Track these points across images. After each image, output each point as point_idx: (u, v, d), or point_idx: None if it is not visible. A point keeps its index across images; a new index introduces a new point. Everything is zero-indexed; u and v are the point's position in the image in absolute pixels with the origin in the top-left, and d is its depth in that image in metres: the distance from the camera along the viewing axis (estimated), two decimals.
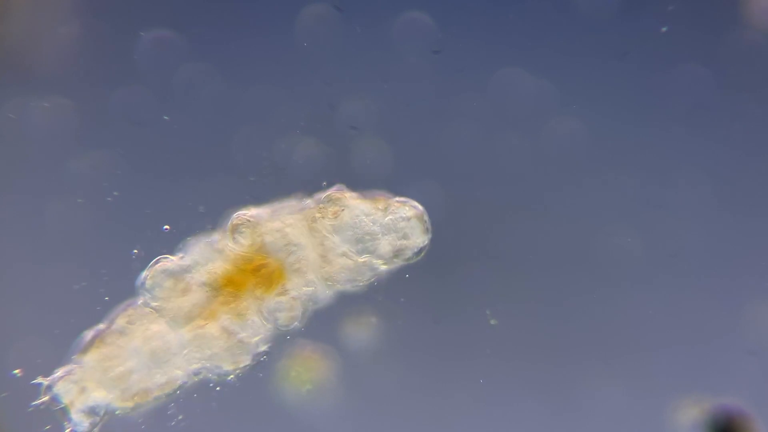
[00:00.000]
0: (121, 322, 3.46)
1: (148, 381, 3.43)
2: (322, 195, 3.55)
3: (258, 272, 3.48)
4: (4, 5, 3.88)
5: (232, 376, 3.50)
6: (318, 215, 3.51)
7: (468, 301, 3.86)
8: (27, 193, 3.81)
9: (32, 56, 3.86)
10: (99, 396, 3.42)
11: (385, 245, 3.52)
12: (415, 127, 3.90)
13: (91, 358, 3.43)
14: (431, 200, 3.64)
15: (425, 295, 3.84)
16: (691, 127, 3.94)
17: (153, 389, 3.44)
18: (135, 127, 3.85)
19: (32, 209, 3.78)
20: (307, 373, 3.77)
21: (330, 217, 3.50)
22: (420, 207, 3.58)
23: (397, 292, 3.76)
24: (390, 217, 3.53)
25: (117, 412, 3.44)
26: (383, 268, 3.55)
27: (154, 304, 3.46)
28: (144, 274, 3.48)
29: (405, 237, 3.54)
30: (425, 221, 3.57)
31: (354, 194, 3.56)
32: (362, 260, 3.52)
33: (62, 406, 3.40)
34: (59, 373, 3.42)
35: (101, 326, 3.46)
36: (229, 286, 3.47)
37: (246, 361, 3.50)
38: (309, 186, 3.61)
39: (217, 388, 3.53)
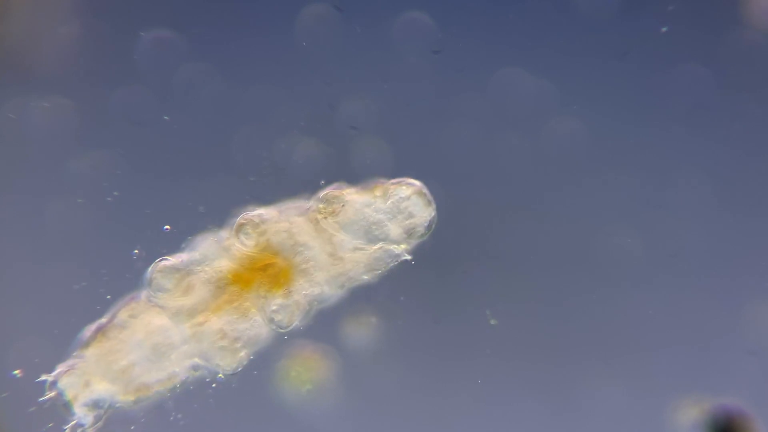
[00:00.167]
0: (123, 315, 3.46)
1: (150, 375, 3.44)
2: (320, 195, 3.55)
3: (265, 271, 3.48)
4: (4, 5, 3.88)
5: (231, 373, 3.50)
6: (319, 216, 3.51)
7: (468, 301, 3.86)
8: (27, 193, 3.81)
9: (32, 56, 3.86)
10: (102, 389, 3.42)
11: (395, 229, 3.52)
12: (415, 127, 3.90)
13: (94, 351, 3.44)
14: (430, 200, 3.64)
15: (425, 295, 3.84)
16: (691, 127, 3.94)
17: (154, 383, 3.45)
18: (135, 127, 3.85)
19: (32, 209, 3.78)
20: (307, 373, 3.77)
21: (331, 216, 3.50)
22: (417, 182, 3.58)
23: (397, 292, 3.76)
24: (390, 200, 3.53)
25: (119, 406, 3.44)
26: (401, 250, 3.55)
27: (157, 299, 3.46)
28: (150, 268, 3.49)
29: (411, 215, 3.54)
30: (425, 194, 3.57)
31: (351, 188, 3.56)
32: (376, 249, 3.52)
33: (66, 400, 3.41)
34: (63, 367, 3.42)
35: (104, 320, 3.47)
36: (235, 284, 3.47)
37: (246, 358, 3.50)
38: (311, 186, 3.61)
39: (214, 386, 3.53)
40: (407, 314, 3.82)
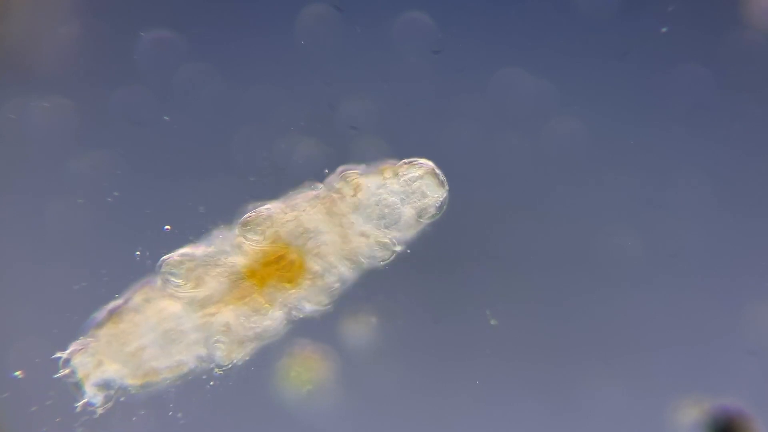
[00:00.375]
0: (138, 299, 3.47)
1: (160, 360, 3.45)
2: (336, 176, 3.55)
3: (278, 264, 3.48)
4: (4, 5, 3.88)
5: (234, 365, 3.51)
6: (336, 197, 3.51)
7: (468, 301, 3.86)
8: (27, 193, 3.81)
9: (32, 56, 3.86)
10: (114, 370, 3.43)
11: (407, 211, 3.53)
12: (415, 127, 3.90)
13: (107, 332, 3.45)
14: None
15: (425, 295, 3.84)
16: (691, 127, 3.94)
17: (163, 369, 3.46)
18: (135, 127, 3.85)
19: (32, 209, 3.78)
20: (307, 373, 3.78)
21: (350, 197, 3.49)
22: (428, 162, 3.58)
23: (397, 292, 3.76)
24: (402, 181, 3.53)
25: (128, 389, 3.45)
26: (410, 233, 3.56)
27: (171, 287, 3.47)
28: (162, 260, 3.49)
29: (423, 196, 3.54)
30: (438, 174, 3.57)
31: (363, 170, 3.57)
32: (387, 233, 3.52)
33: (78, 378, 3.42)
34: (77, 345, 3.43)
35: (118, 302, 3.48)
36: (249, 280, 3.48)
37: (251, 351, 3.51)
38: (314, 178, 3.61)
39: (216, 382, 3.53)
40: (407, 314, 3.82)
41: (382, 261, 3.55)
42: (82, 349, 3.44)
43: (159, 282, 3.49)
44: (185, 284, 3.48)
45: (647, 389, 3.81)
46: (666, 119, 3.95)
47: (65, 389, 3.47)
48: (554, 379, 3.85)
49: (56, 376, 3.43)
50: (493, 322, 3.82)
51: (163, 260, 3.50)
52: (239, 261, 3.49)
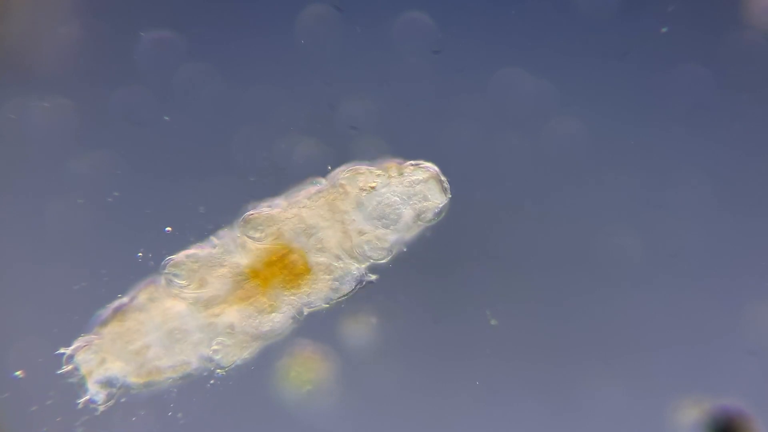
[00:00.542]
0: (143, 298, 3.48)
1: (164, 359, 3.45)
2: (342, 173, 3.55)
3: (282, 263, 3.48)
4: (4, 5, 3.88)
5: (237, 365, 3.51)
6: (342, 191, 3.51)
7: (468, 301, 3.86)
8: (27, 193, 3.81)
9: (32, 56, 3.86)
10: (117, 368, 3.44)
11: (407, 212, 3.53)
12: (415, 127, 3.90)
13: (111, 330, 3.45)
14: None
15: (425, 295, 3.84)
16: (691, 127, 3.94)
17: (167, 368, 3.46)
18: (135, 127, 3.85)
19: (32, 209, 3.78)
20: (307, 373, 3.78)
21: (360, 191, 3.49)
22: (434, 167, 3.58)
23: (397, 292, 3.76)
24: (406, 182, 3.54)
25: (130, 388, 3.46)
26: (408, 235, 3.56)
27: (176, 286, 3.47)
28: (165, 260, 3.50)
29: (424, 199, 3.54)
30: (442, 180, 3.57)
31: (369, 166, 3.57)
32: (385, 232, 3.52)
33: (81, 375, 3.42)
34: (81, 342, 3.44)
35: (123, 300, 3.48)
36: (253, 281, 3.48)
37: (256, 351, 3.51)
38: (316, 175, 3.61)
39: (217, 381, 3.53)
40: (407, 314, 3.82)
41: (378, 260, 3.55)
42: (85, 346, 3.45)
43: (163, 282, 3.49)
44: (189, 285, 3.48)
45: (647, 389, 3.81)
46: (666, 119, 3.95)
47: (66, 388, 3.47)
48: (554, 379, 3.85)
49: (59, 372, 3.44)
50: (493, 322, 3.82)
51: (167, 261, 3.50)
52: (243, 261, 3.49)
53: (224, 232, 3.55)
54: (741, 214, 3.90)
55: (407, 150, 3.67)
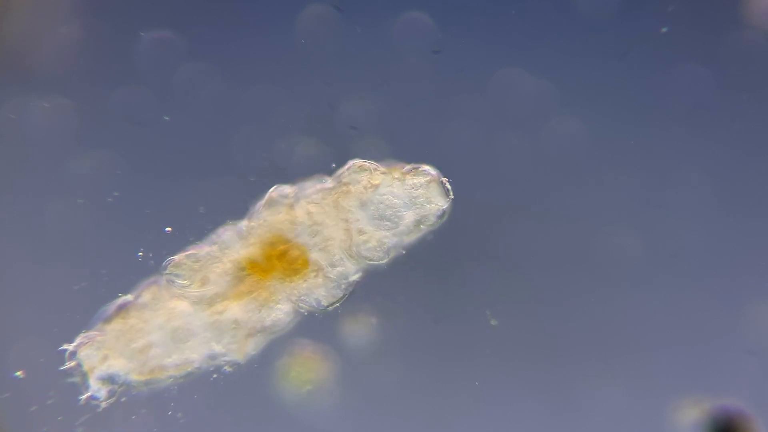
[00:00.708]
0: (147, 296, 3.48)
1: (167, 358, 3.46)
2: (347, 169, 3.55)
3: (283, 257, 3.49)
4: (4, 5, 3.88)
5: (246, 360, 3.52)
6: (346, 189, 3.51)
7: (468, 301, 3.86)
8: (27, 193, 3.81)
9: (32, 56, 3.86)
10: (119, 365, 3.44)
11: (408, 216, 3.53)
12: (415, 127, 3.90)
13: (115, 327, 3.46)
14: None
15: (425, 295, 3.84)
16: (691, 127, 3.94)
17: (170, 367, 3.47)
18: (135, 127, 3.85)
19: (32, 209, 3.78)
20: (307, 373, 3.78)
21: (364, 189, 3.50)
22: (435, 171, 3.58)
23: (397, 292, 3.76)
24: (408, 185, 3.54)
25: (132, 385, 3.46)
26: (407, 239, 3.56)
27: (177, 286, 3.47)
28: (164, 263, 3.50)
29: (426, 203, 3.55)
30: (443, 184, 3.58)
31: (375, 166, 3.57)
32: (386, 234, 3.52)
33: (83, 371, 3.43)
34: (84, 338, 3.44)
35: (127, 298, 3.49)
36: (254, 273, 3.48)
37: (262, 345, 3.51)
38: (322, 172, 3.61)
39: (223, 375, 3.54)
40: (407, 314, 3.82)
41: (377, 261, 3.55)
42: (88, 342, 3.45)
43: (164, 282, 3.50)
44: (191, 284, 3.48)
45: (647, 389, 3.81)
46: (666, 119, 3.95)
47: (66, 388, 3.47)
48: (554, 379, 3.85)
49: (62, 368, 3.44)
50: (493, 322, 3.82)
51: (168, 261, 3.50)
52: (242, 255, 3.50)
53: (224, 229, 3.55)
54: (741, 214, 3.90)
55: (407, 150, 3.68)
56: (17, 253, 3.76)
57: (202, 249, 3.52)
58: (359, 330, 3.78)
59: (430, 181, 3.56)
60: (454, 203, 3.63)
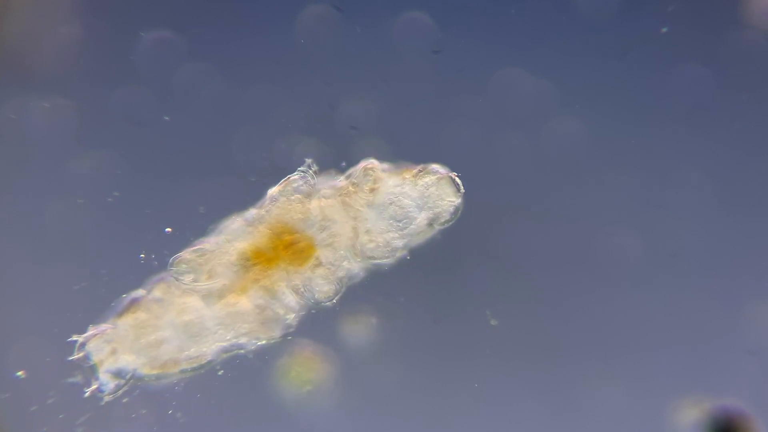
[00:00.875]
0: (158, 292, 3.48)
1: (178, 353, 3.47)
2: (357, 169, 3.56)
3: (289, 248, 3.49)
4: (4, 5, 3.88)
5: (266, 347, 3.53)
6: (352, 190, 3.51)
7: (468, 301, 3.86)
8: (27, 193, 3.81)
9: (32, 56, 3.86)
10: (128, 360, 3.45)
11: (421, 215, 3.53)
12: (415, 127, 3.90)
13: (126, 322, 3.46)
14: None
15: (425, 295, 3.84)
16: (691, 127, 3.94)
17: (181, 361, 3.47)
18: (135, 127, 3.85)
19: (32, 209, 3.78)
20: (307, 373, 3.78)
21: (366, 192, 3.50)
22: (446, 169, 3.58)
23: (398, 292, 3.76)
24: (420, 185, 3.54)
25: (142, 380, 3.47)
26: (420, 238, 3.57)
27: (185, 281, 3.48)
28: (175, 256, 3.50)
29: (439, 200, 3.55)
30: (455, 181, 3.58)
31: (385, 166, 3.58)
32: (398, 234, 3.53)
33: (92, 363, 3.43)
34: (94, 330, 3.44)
35: (139, 293, 3.49)
36: (260, 263, 3.48)
37: (276, 334, 3.52)
38: (339, 165, 3.61)
39: (219, 372, 3.54)
40: (407, 314, 3.82)
41: (382, 261, 3.55)
42: (98, 334, 3.45)
43: (172, 280, 3.50)
44: (198, 279, 3.48)
45: (647, 389, 3.81)
46: (666, 119, 3.95)
47: (67, 388, 3.47)
48: (554, 379, 3.85)
49: (70, 358, 3.44)
50: (493, 322, 3.83)
51: (174, 258, 3.50)
52: (250, 244, 3.50)
53: (229, 222, 3.55)
54: (741, 214, 3.90)
55: (407, 150, 3.68)
56: (17, 253, 3.76)
57: (209, 242, 3.52)
58: (359, 330, 3.78)
59: (440, 179, 3.56)
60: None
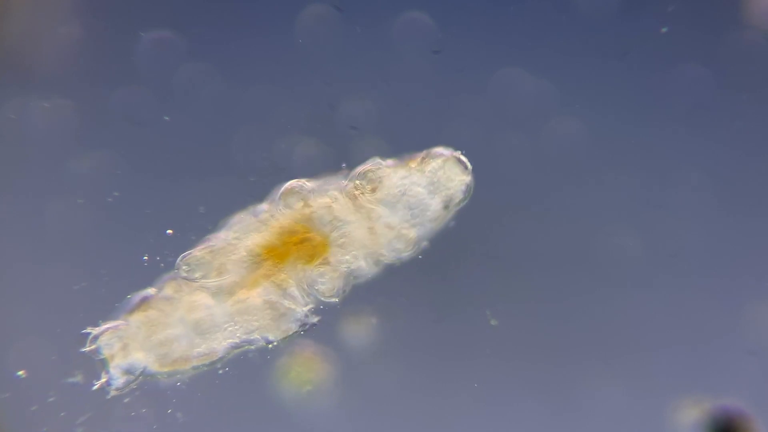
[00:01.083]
0: (169, 290, 3.48)
1: (189, 350, 3.48)
2: (357, 172, 3.57)
3: (301, 245, 3.49)
4: (4, 5, 3.88)
5: (277, 343, 3.53)
6: (356, 192, 3.52)
7: (468, 301, 3.86)
8: (27, 193, 3.81)
9: (32, 56, 3.86)
10: (138, 357, 3.46)
11: (435, 201, 3.54)
12: (415, 127, 3.90)
13: (137, 319, 3.47)
14: None
15: (426, 295, 3.84)
16: (691, 127, 3.94)
17: (192, 358, 3.48)
18: (135, 127, 3.85)
19: (32, 209, 3.78)
20: (308, 373, 3.78)
21: (368, 192, 3.51)
22: (450, 150, 3.59)
23: (398, 292, 3.76)
24: (428, 171, 3.54)
25: (153, 376, 3.47)
26: (437, 224, 3.57)
27: (195, 277, 3.48)
28: (184, 254, 3.51)
29: (449, 182, 3.56)
30: (461, 160, 3.59)
31: (388, 162, 3.58)
32: (414, 223, 3.53)
33: (103, 358, 3.43)
34: (106, 325, 3.45)
35: (150, 291, 3.49)
36: (272, 258, 3.49)
37: (289, 331, 3.52)
38: (346, 164, 3.61)
39: (225, 371, 3.54)
40: (408, 314, 3.82)
41: (406, 254, 3.56)
42: (111, 329, 3.46)
43: (183, 275, 3.51)
44: (208, 275, 3.49)
45: (647, 389, 3.81)
46: (666, 119, 3.95)
47: (67, 388, 3.48)
48: (554, 379, 3.85)
49: (82, 350, 3.45)
50: (493, 322, 3.83)
51: (183, 256, 3.51)
52: (261, 240, 3.50)
53: (243, 212, 3.56)
54: (741, 214, 3.90)
55: (407, 150, 3.68)
56: (17, 253, 3.76)
57: (217, 238, 3.53)
58: (359, 330, 3.78)
59: (445, 161, 3.57)
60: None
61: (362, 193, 3.53)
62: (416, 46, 3.91)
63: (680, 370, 3.82)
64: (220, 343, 3.49)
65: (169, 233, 3.59)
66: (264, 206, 3.56)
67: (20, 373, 3.50)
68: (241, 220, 3.55)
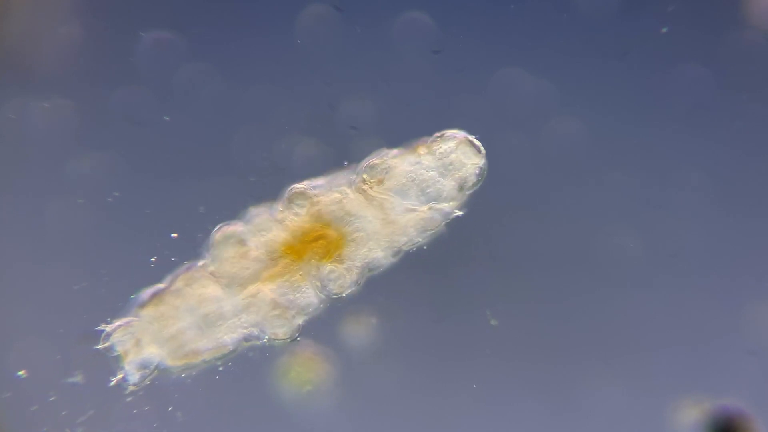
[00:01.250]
0: (180, 283, 3.49)
1: (200, 343, 3.48)
2: (364, 165, 3.57)
3: (317, 242, 3.50)
4: (4, 5, 3.88)
5: (284, 340, 3.53)
6: (364, 186, 3.53)
7: (468, 301, 3.86)
8: (27, 193, 3.81)
9: (32, 56, 3.86)
10: (152, 351, 3.47)
11: (448, 183, 3.53)
12: (415, 127, 3.90)
13: (149, 313, 3.48)
14: None
15: (426, 295, 3.84)
16: (691, 127, 3.94)
17: (203, 351, 3.49)
18: (135, 127, 3.85)
19: (32, 209, 3.78)
20: (308, 373, 3.78)
21: (376, 185, 3.51)
22: (461, 133, 3.59)
23: (398, 292, 3.76)
24: (438, 154, 3.54)
25: (167, 370, 3.48)
26: (452, 206, 3.57)
27: (212, 268, 3.49)
28: (213, 232, 3.51)
29: (460, 167, 3.55)
30: (473, 142, 3.58)
31: (395, 151, 3.58)
32: (428, 208, 3.53)
33: (117, 354, 3.45)
34: (118, 322, 3.45)
35: (161, 285, 3.50)
36: (288, 255, 3.49)
37: (299, 327, 3.53)
38: (339, 165, 3.62)
39: (220, 368, 3.55)
40: (408, 314, 3.83)
41: (430, 233, 3.55)
42: (124, 326, 3.46)
43: (201, 263, 3.51)
44: (232, 260, 3.49)
45: (647, 389, 3.81)
46: (666, 119, 3.95)
47: (67, 388, 3.48)
48: (554, 379, 3.85)
49: (96, 347, 3.45)
50: (493, 322, 3.83)
51: (218, 228, 3.52)
52: (279, 237, 3.51)
53: (261, 209, 3.56)
54: (741, 214, 3.91)
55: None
56: (17, 253, 3.76)
57: (242, 228, 3.53)
58: (359, 330, 3.78)
59: (459, 143, 3.57)
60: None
61: (371, 186, 3.53)
62: (416, 46, 3.91)
63: (680, 370, 3.82)
64: (229, 336, 3.50)
65: (174, 236, 3.60)
66: (278, 206, 3.56)
67: (21, 372, 3.51)
68: (260, 214, 3.56)
